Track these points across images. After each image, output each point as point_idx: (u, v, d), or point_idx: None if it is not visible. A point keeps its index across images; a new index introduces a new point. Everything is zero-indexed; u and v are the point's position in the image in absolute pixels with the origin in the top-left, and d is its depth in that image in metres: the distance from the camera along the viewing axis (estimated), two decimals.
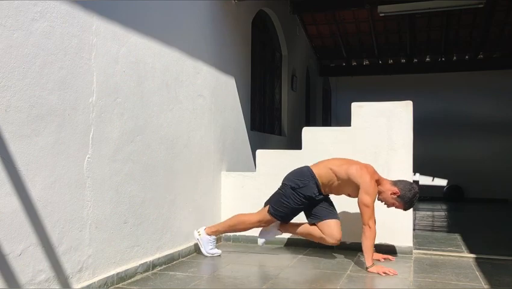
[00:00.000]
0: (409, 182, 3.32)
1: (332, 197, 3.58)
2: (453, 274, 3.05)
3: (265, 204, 3.53)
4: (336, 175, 3.37)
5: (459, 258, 3.58)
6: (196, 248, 3.65)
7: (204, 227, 3.62)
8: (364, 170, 3.28)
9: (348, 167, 3.33)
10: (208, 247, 3.56)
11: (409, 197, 3.25)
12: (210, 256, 3.53)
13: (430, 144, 9.42)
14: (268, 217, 3.46)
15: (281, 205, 3.41)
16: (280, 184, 3.53)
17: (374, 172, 3.33)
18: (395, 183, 3.30)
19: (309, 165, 3.50)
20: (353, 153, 3.71)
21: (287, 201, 3.39)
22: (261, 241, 3.66)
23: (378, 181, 3.31)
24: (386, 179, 3.35)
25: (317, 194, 3.40)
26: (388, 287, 2.80)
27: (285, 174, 3.55)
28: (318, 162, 3.52)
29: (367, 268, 3.10)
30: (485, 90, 9.50)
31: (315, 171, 3.41)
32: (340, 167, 3.37)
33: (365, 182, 3.22)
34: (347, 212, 3.83)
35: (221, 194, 4.20)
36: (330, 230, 3.35)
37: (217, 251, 3.58)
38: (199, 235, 3.58)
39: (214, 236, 3.59)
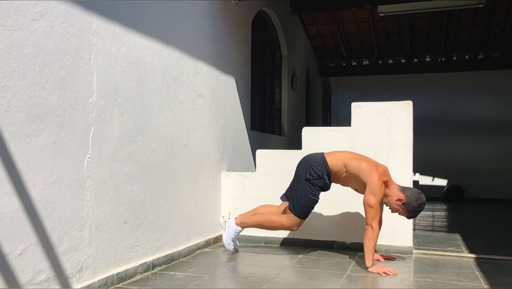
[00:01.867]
0: (418, 192, 3.24)
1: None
2: (453, 274, 3.05)
3: (283, 198, 3.54)
4: (346, 167, 3.36)
5: (459, 258, 3.58)
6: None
7: (235, 216, 3.66)
8: (374, 169, 3.24)
9: (359, 163, 3.31)
10: (231, 235, 3.60)
11: (414, 206, 3.18)
12: (226, 248, 3.64)
13: (430, 144, 9.41)
14: (297, 220, 3.42)
15: (302, 203, 3.38)
16: (292, 178, 3.51)
17: (384, 173, 3.27)
18: (403, 189, 3.24)
19: (324, 152, 3.47)
20: None
21: (305, 195, 3.35)
22: (230, 247, 3.66)
23: (387, 183, 3.25)
24: (395, 184, 3.29)
25: (330, 185, 3.42)
26: (388, 287, 2.80)
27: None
28: (332, 151, 3.50)
29: (367, 268, 3.10)
30: (485, 90, 9.50)
31: (328, 160, 3.38)
32: (352, 160, 3.35)
33: (372, 181, 3.19)
34: (347, 212, 3.83)
35: (221, 194, 4.20)
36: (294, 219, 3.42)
37: (231, 248, 3.64)
38: (229, 218, 3.64)
39: (240, 228, 3.62)
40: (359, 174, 3.28)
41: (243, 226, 3.62)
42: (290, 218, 3.44)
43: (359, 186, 3.35)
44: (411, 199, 3.17)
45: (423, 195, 3.22)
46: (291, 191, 3.50)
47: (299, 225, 3.47)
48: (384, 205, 3.35)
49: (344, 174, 3.39)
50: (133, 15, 2.88)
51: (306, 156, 3.51)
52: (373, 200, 3.15)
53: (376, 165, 3.30)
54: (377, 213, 3.16)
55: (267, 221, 3.56)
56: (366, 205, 3.17)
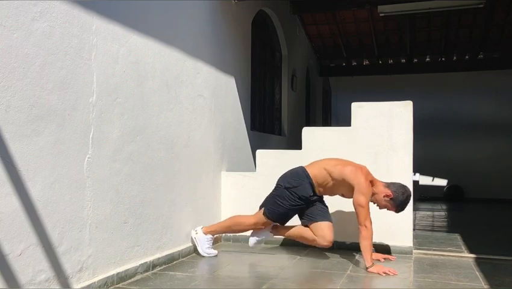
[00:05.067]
0: (403, 185, 3.33)
1: (327, 197, 3.58)
2: (453, 274, 3.05)
3: (261, 207, 3.52)
4: (330, 175, 3.38)
5: (459, 258, 3.58)
6: (194, 248, 3.64)
7: (201, 227, 3.63)
8: (359, 171, 3.29)
9: (342, 168, 3.34)
10: (205, 246, 3.55)
11: (401, 200, 3.27)
12: (207, 256, 3.52)
13: (430, 144, 9.42)
14: (264, 219, 3.45)
15: (276, 206, 3.40)
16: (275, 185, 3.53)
17: (368, 173, 3.35)
18: (388, 185, 3.32)
19: (303, 165, 3.50)
20: (353, 153, 3.71)
21: (282, 202, 3.38)
22: (252, 241, 3.62)
23: (372, 182, 3.32)
24: (379, 181, 3.37)
25: (312, 194, 3.40)
26: (388, 287, 2.80)
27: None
28: (313, 162, 3.53)
29: (367, 268, 3.10)
30: (485, 89, 9.51)
31: (309, 171, 3.41)
32: (335, 167, 3.38)
33: (360, 182, 3.23)
34: (346, 213, 3.83)
35: (221, 194, 4.20)
36: (322, 232, 3.32)
37: (214, 252, 3.57)
38: (196, 234, 3.59)
39: (210, 236, 3.59)
40: (346, 179, 3.31)
41: (213, 233, 3.62)
42: (258, 215, 3.48)
43: (346, 191, 3.38)
44: (398, 194, 3.27)
45: (407, 188, 3.34)
46: (267, 197, 3.52)
47: (264, 224, 3.48)
48: (372, 204, 3.38)
49: (330, 182, 3.40)
50: (133, 15, 2.88)
51: (287, 171, 3.52)
52: (364, 200, 3.19)
53: (360, 167, 3.36)
54: (369, 212, 3.21)
55: (234, 224, 3.60)
56: (357, 205, 3.20)
